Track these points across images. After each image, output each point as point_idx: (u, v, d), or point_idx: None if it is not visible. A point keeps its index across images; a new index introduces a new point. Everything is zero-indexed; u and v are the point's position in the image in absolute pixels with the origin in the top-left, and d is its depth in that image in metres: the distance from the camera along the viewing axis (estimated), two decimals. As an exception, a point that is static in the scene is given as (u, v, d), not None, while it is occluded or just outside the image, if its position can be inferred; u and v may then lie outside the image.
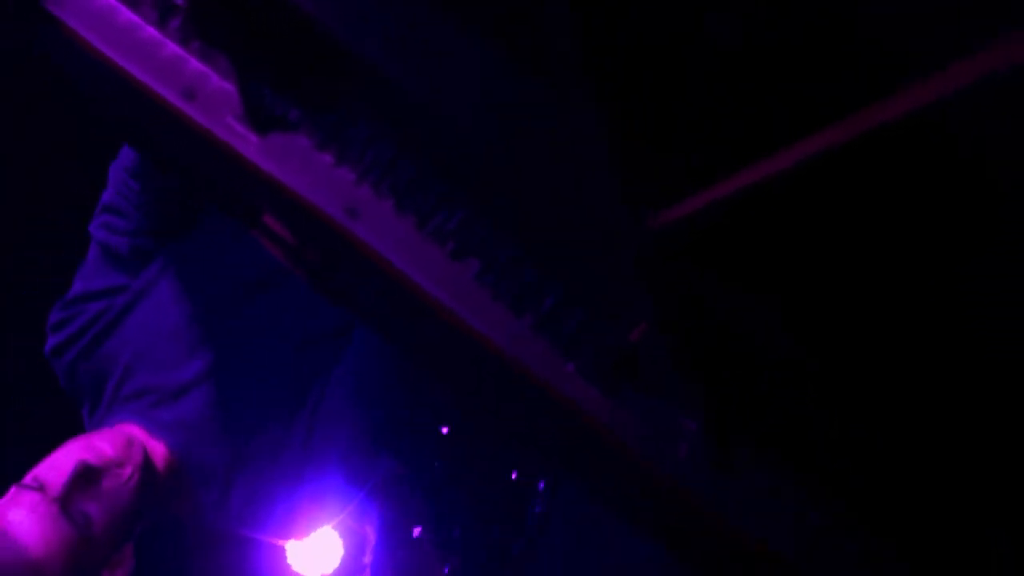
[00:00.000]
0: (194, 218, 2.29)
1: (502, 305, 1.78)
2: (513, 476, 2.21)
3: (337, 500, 2.33)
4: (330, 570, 2.80)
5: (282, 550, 2.86)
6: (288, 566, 2.82)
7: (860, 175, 1.34)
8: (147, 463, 2.16)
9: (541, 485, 2.21)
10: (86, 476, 2.12)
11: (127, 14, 1.89)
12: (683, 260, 1.47)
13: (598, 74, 1.39)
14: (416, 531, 2.31)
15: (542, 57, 1.46)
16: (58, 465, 2.15)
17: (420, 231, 1.80)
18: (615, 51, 1.41)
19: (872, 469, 1.64)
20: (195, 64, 1.87)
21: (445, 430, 2.27)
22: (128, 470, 2.15)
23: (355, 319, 2.29)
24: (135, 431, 2.22)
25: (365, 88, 1.75)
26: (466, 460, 2.31)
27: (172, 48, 1.88)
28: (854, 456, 1.64)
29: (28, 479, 2.13)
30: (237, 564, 2.85)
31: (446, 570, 2.22)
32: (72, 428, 2.34)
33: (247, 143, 1.84)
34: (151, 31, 1.88)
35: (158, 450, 2.22)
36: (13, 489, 2.15)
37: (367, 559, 2.40)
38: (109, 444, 2.15)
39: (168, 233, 2.28)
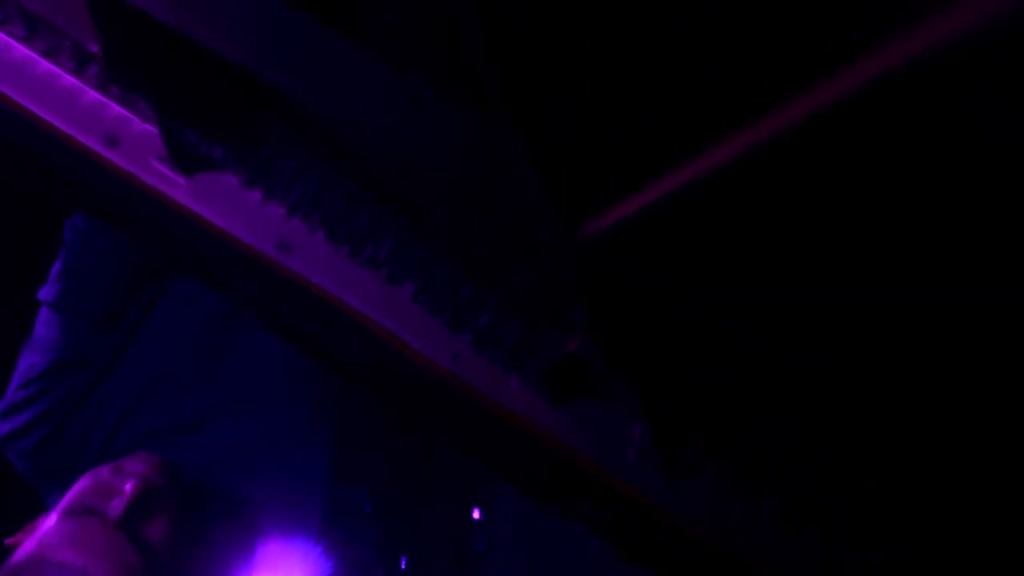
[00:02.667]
0: (161, 278, 2.26)
1: (441, 323, 1.79)
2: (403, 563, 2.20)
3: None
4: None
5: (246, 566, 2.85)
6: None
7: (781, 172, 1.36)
8: (174, 485, 2.11)
9: (476, 512, 2.22)
10: (144, 497, 2.01)
11: (45, 64, 1.89)
12: (612, 265, 1.49)
13: (518, 92, 1.40)
14: None
15: (461, 78, 1.47)
16: (100, 490, 2.02)
17: (354, 259, 1.81)
18: (534, 70, 1.42)
19: (824, 464, 1.66)
20: (116, 109, 1.87)
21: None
22: (175, 495, 2.07)
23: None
24: (153, 456, 2.16)
25: (286, 121, 1.76)
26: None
27: (92, 95, 1.88)
28: (804, 453, 1.67)
29: (68, 507, 1.99)
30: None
31: None
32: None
33: (175, 186, 1.85)
34: (70, 79, 1.88)
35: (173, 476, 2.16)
36: (56, 517, 2.00)
37: None
38: (143, 466, 2.07)
39: (138, 289, 2.24)
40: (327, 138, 1.73)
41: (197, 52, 1.68)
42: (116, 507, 1.97)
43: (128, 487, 2.00)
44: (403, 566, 2.22)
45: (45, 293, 2.26)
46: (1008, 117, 1.18)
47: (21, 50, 1.90)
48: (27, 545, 1.98)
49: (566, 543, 2.11)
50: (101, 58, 1.79)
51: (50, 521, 2.01)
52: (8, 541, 2.07)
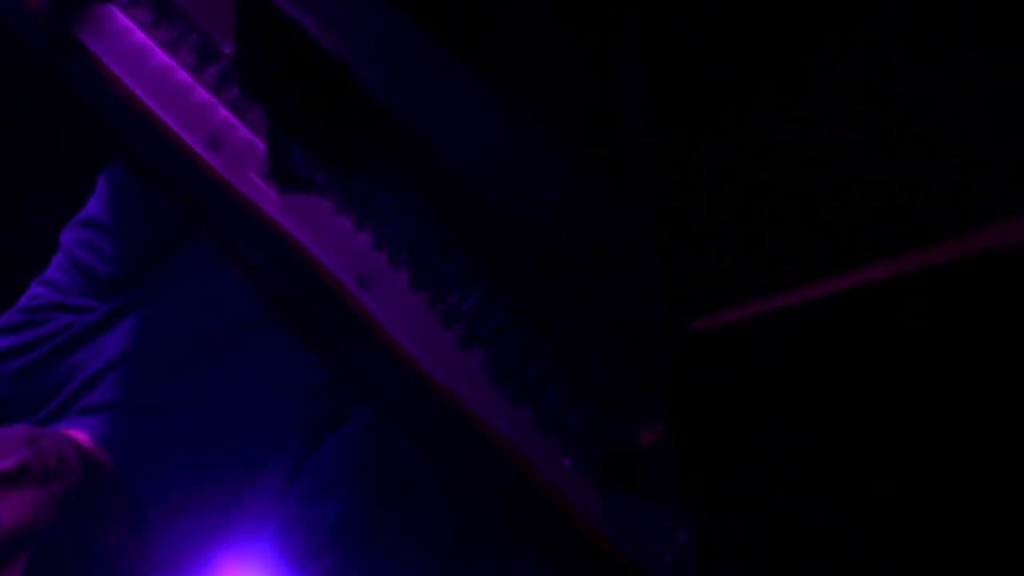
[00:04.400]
0: (184, 245, 2.23)
1: (504, 394, 1.78)
2: None
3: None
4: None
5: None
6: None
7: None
8: (84, 479, 2.07)
9: None
10: (15, 476, 1.98)
11: (162, 56, 1.88)
12: (711, 367, 1.49)
13: (663, 183, 1.42)
14: None
15: (608, 163, 1.48)
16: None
17: (430, 308, 1.80)
18: (679, 171, 1.44)
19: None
20: (224, 113, 1.86)
21: None
22: (58, 486, 2.04)
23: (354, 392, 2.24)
24: (84, 442, 2.13)
25: (401, 158, 1.76)
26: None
27: (203, 95, 1.87)
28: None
29: None
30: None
31: None
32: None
33: (267, 198, 1.83)
34: (184, 75, 1.87)
35: (103, 467, 2.13)
36: None
37: None
38: (54, 450, 2.04)
39: (155, 261, 2.21)
40: (440, 182, 1.72)
41: (334, 73, 1.68)
42: None
43: (13, 455, 1.99)
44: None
45: (64, 236, 2.25)
46: None
47: (141, 37, 1.90)
48: None
49: None
50: (231, 60, 1.79)
51: None
52: None
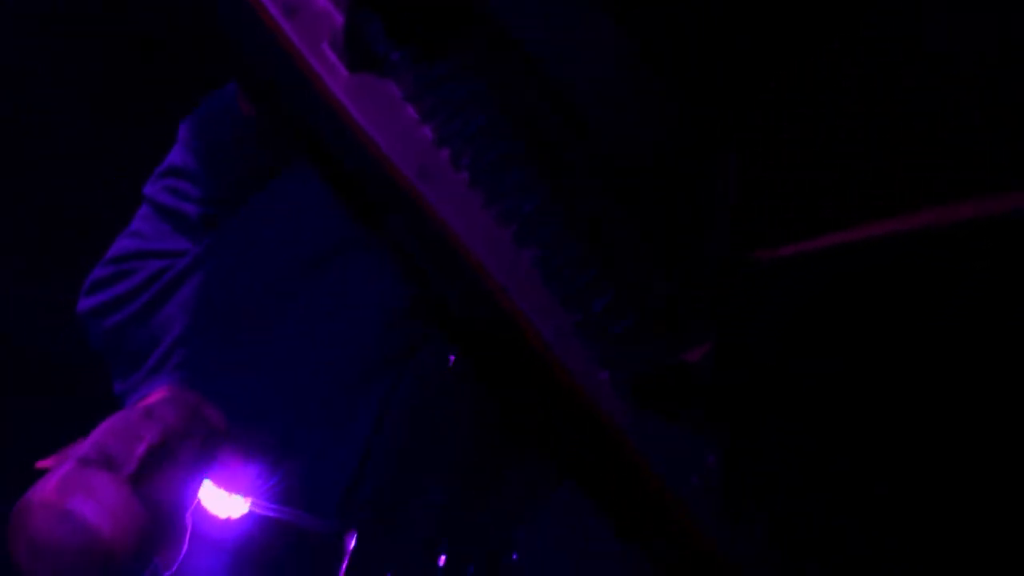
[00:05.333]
0: (264, 186, 2.21)
1: (553, 296, 1.78)
2: (440, 562, 2.18)
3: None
4: (237, 515, 2.75)
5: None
6: (199, 504, 2.76)
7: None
8: (209, 433, 2.06)
9: (520, 533, 2.20)
10: (159, 451, 1.98)
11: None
12: (773, 296, 1.50)
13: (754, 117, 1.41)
14: None
15: (697, 81, 1.48)
16: (123, 437, 1.99)
17: (487, 208, 1.80)
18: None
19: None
20: (303, -20, 1.84)
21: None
22: (195, 442, 2.04)
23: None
24: (193, 399, 2.12)
25: (483, 49, 1.75)
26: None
27: (282, -40, 1.84)
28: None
29: (90, 452, 1.97)
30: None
31: None
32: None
33: (335, 75, 1.82)
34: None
35: (214, 418, 2.12)
36: (71, 464, 1.98)
37: None
38: (173, 413, 2.04)
39: (238, 202, 2.20)
40: (518, 83, 1.72)
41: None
42: (131, 459, 1.96)
43: (148, 437, 1.99)
44: (440, 565, 2.19)
45: (147, 188, 2.24)
46: None
47: None
48: (46, 484, 1.97)
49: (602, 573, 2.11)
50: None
51: (68, 465, 1.99)
52: (39, 464, 2.05)
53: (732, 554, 1.71)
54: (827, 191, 1.46)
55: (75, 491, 1.93)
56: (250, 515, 2.73)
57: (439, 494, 2.26)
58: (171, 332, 2.20)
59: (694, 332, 1.68)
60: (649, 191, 1.60)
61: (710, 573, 1.73)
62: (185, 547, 2.04)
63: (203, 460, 2.07)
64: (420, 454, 2.27)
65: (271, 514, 2.58)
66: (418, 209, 1.80)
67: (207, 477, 2.30)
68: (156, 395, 2.11)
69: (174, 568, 2.04)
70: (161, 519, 1.97)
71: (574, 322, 1.78)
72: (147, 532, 1.94)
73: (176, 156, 2.23)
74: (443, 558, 2.22)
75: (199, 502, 2.65)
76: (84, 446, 2.00)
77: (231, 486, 2.42)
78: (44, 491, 1.97)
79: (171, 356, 2.19)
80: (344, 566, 2.25)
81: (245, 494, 2.43)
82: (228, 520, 2.79)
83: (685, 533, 1.73)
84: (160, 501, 1.97)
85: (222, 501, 2.76)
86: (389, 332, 2.24)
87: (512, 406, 1.89)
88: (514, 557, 2.20)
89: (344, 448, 2.23)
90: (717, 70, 1.41)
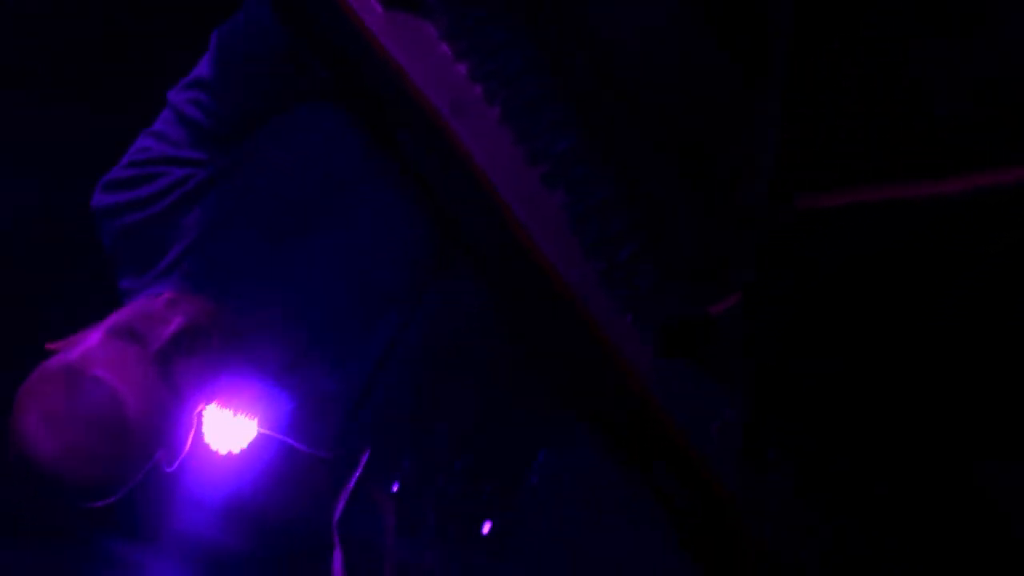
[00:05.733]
0: (290, 109, 2.20)
1: (578, 241, 1.78)
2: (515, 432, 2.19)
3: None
4: (237, 449, 2.75)
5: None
6: (200, 438, 2.76)
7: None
8: (223, 337, 2.06)
9: (542, 456, 2.20)
10: (187, 335, 1.97)
11: None
12: (812, 246, 1.49)
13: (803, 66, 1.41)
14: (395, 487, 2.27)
15: (740, 27, 1.47)
16: (157, 318, 1.99)
17: (517, 146, 1.80)
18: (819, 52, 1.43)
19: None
20: (341, -86, 1.83)
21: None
22: (212, 341, 2.04)
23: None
24: (204, 301, 2.12)
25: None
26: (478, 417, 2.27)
27: None
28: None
29: (119, 326, 1.96)
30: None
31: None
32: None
33: (371, 12, 1.81)
34: None
35: (223, 325, 2.11)
36: (100, 335, 1.96)
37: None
38: (194, 309, 2.04)
39: (261, 121, 2.19)
40: (557, 23, 1.71)
41: None
42: (159, 337, 1.95)
43: (176, 321, 1.98)
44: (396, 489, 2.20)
45: (172, 95, 2.22)
46: None
47: None
48: (68, 354, 1.96)
49: (618, 513, 2.11)
50: None
51: (95, 337, 1.98)
52: (49, 346, 2.04)
53: (750, 503, 1.72)
54: (872, 146, 1.45)
55: (103, 361, 1.92)
56: (258, 438, 2.73)
57: (460, 414, 2.26)
58: (186, 238, 2.19)
59: (722, 283, 1.68)
60: (687, 136, 1.59)
61: (725, 520, 1.73)
62: (188, 446, 2.03)
63: (217, 363, 2.06)
64: (441, 379, 2.27)
65: (278, 436, 2.58)
66: (447, 143, 1.79)
67: (216, 395, 2.30)
68: (168, 295, 2.11)
69: (175, 465, 2.03)
70: (175, 409, 1.96)
71: (599, 268, 1.78)
72: (165, 416, 1.93)
73: (204, 68, 2.20)
74: (459, 475, 2.22)
75: (206, 425, 2.65)
76: (110, 321, 1.98)
77: (239, 404, 2.41)
78: (68, 359, 1.95)
79: (183, 261, 2.18)
80: (353, 482, 2.25)
81: (252, 415, 2.42)
82: (236, 443, 2.79)
83: (702, 481, 1.74)
84: (179, 389, 1.96)
85: (230, 423, 2.76)
86: (407, 264, 2.24)
87: (533, 346, 1.89)
88: (533, 480, 2.20)
89: (355, 367, 2.23)
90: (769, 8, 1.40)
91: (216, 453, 2.70)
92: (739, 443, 1.74)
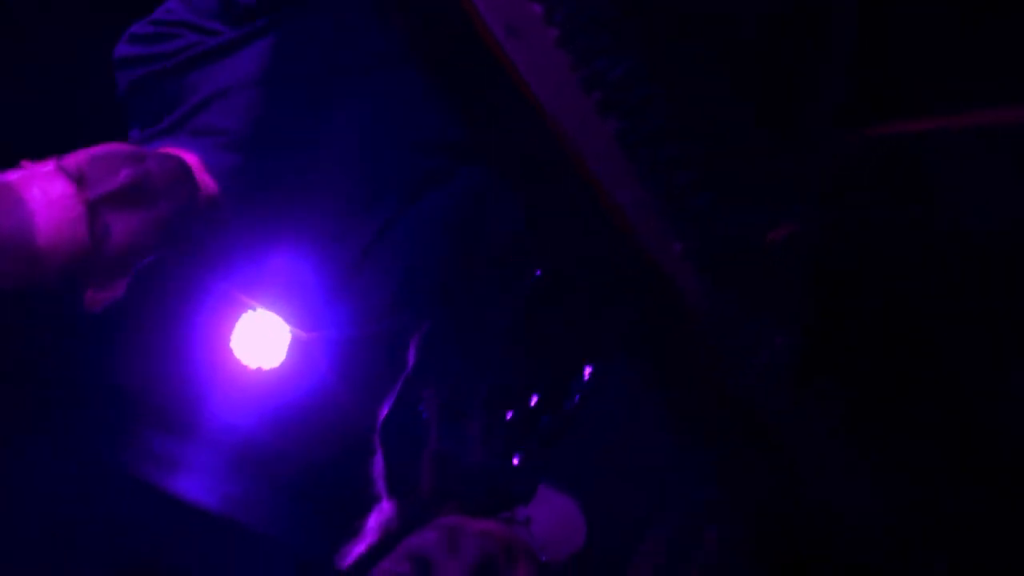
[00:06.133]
0: None
1: (633, 167, 1.78)
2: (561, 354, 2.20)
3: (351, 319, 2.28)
4: (270, 366, 2.77)
5: (226, 336, 2.82)
6: (230, 351, 2.79)
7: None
8: (190, 202, 2.08)
9: (587, 371, 2.22)
10: (128, 193, 1.98)
11: None
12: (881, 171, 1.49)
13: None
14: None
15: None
16: (104, 166, 1.99)
17: (575, 71, 1.78)
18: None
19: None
20: None
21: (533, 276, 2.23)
22: (166, 207, 2.05)
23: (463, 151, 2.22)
24: (193, 163, 2.13)
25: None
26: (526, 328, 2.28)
27: None
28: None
29: (69, 164, 1.99)
30: (176, 343, 2.79)
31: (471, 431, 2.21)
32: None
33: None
34: None
35: (208, 189, 2.13)
36: (51, 164, 2.00)
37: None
38: (161, 171, 2.05)
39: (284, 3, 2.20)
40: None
41: None
42: (100, 187, 1.97)
43: (124, 175, 2.00)
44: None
45: None
46: None
47: None
48: (16, 173, 2.00)
49: (656, 428, 2.13)
50: None
51: (48, 166, 2.02)
52: (22, 162, 2.07)
53: (797, 432, 1.74)
54: (943, 72, 1.44)
55: (37, 188, 1.97)
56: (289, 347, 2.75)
57: (506, 328, 2.27)
58: (195, 97, 2.22)
59: (780, 211, 1.68)
60: (750, 58, 1.58)
61: (770, 447, 1.75)
62: (121, 294, 2.06)
63: (182, 228, 2.08)
64: (490, 292, 2.28)
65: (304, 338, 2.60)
66: (501, 66, 1.78)
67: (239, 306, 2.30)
68: (161, 150, 2.14)
69: (99, 309, 2.07)
70: (106, 255, 1.99)
71: (653, 194, 1.78)
72: (81, 257, 1.97)
73: None
74: (504, 388, 2.24)
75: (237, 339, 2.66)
76: (69, 157, 2.02)
77: (243, 286, 2.41)
78: (10, 176, 2.01)
79: (189, 120, 2.21)
80: (398, 388, 2.27)
81: (247, 292, 2.42)
82: (268, 356, 2.81)
83: (749, 411, 1.76)
84: (113, 239, 1.99)
85: (262, 337, 2.78)
86: (418, 149, 2.25)
87: (576, 267, 1.89)
88: (575, 399, 2.23)
89: (349, 246, 2.25)
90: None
91: (250, 366, 2.73)
92: (788, 371, 1.76)
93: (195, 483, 2.34)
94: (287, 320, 2.33)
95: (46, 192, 1.96)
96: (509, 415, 2.32)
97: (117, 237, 2.03)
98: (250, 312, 2.68)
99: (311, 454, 2.63)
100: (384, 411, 2.35)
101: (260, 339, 2.86)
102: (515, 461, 2.30)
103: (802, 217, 1.61)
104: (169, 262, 2.21)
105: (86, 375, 2.36)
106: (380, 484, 2.34)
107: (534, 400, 2.21)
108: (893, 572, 1.65)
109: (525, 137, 1.83)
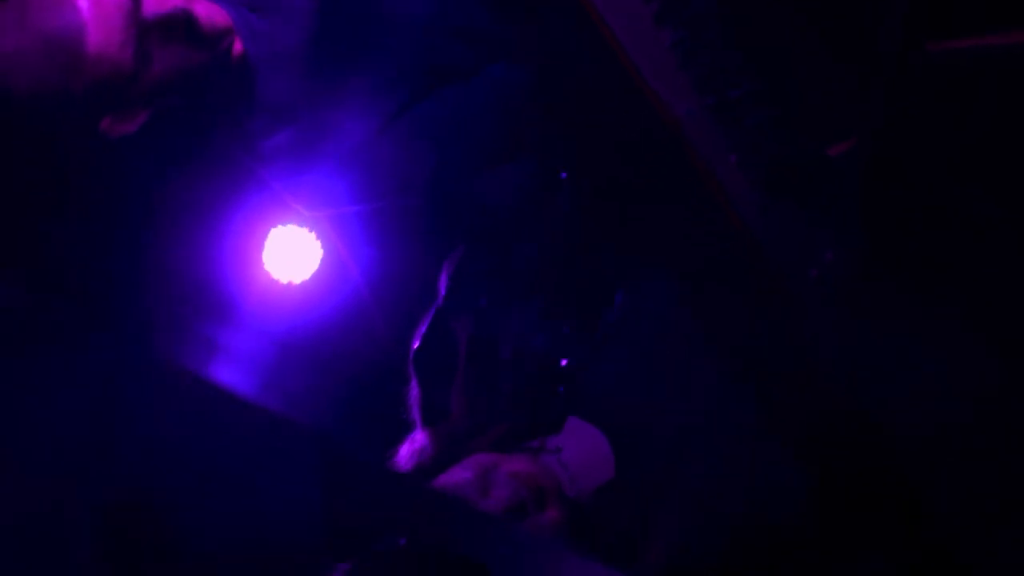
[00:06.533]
0: None
1: (687, 78, 1.77)
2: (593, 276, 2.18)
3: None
4: (301, 279, 2.76)
5: (257, 249, 2.81)
6: (261, 264, 2.78)
7: None
8: (225, 58, 2.06)
9: (619, 297, 2.20)
10: (180, 25, 2.00)
11: None
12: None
13: None
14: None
15: None
16: None
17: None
18: None
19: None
20: None
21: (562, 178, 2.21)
22: (203, 55, 2.03)
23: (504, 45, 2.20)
24: (228, 23, 2.12)
25: None
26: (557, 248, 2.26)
27: None
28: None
29: None
30: (209, 253, 2.78)
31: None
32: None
33: None
34: None
35: (237, 49, 2.12)
36: None
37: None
38: (207, 18, 2.01)
39: None
40: None
41: None
42: (156, 7, 1.96)
43: (175, 2, 2.00)
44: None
45: None
46: None
47: None
48: None
49: (689, 355, 2.11)
50: None
51: None
52: None
53: (848, 347, 1.73)
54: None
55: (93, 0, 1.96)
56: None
57: (538, 254, 2.26)
58: None
59: (840, 125, 1.67)
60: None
61: (817, 363, 1.75)
62: (135, 129, 2.06)
63: (212, 80, 2.07)
64: (521, 216, 2.27)
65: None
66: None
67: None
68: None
69: (113, 138, 2.07)
70: (138, 83, 1.99)
71: (708, 105, 1.77)
72: (120, 76, 1.96)
73: None
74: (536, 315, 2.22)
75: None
76: None
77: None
78: None
79: None
80: (431, 316, 2.26)
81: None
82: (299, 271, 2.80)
83: (796, 328, 1.75)
84: (151, 69, 1.99)
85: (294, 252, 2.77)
86: (449, 42, 2.23)
87: (620, 179, 1.88)
88: (610, 320, 2.21)
89: (356, 127, 2.23)
90: None
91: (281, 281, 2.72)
92: (838, 286, 1.75)
93: (234, 370, 2.33)
94: (297, 197, 2.31)
95: (101, 4, 1.95)
96: (540, 343, 2.31)
97: (155, 67, 2.03)
98: (281, 227, 2.66)
99: (342, 373, 2.62)
100: (417, 340, 2.35)
101: (291, 254, 2.84)
102: (545, 389, 2.29)
103: (862, 132, 1.60)
104: (207, 152, 2.20)
105: (123, 260, 2.34)
106: (415, 411, 2.33)
107: (565, 328, 2.20)
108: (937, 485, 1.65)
109: (579, 46, 1.82)
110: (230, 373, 2.41)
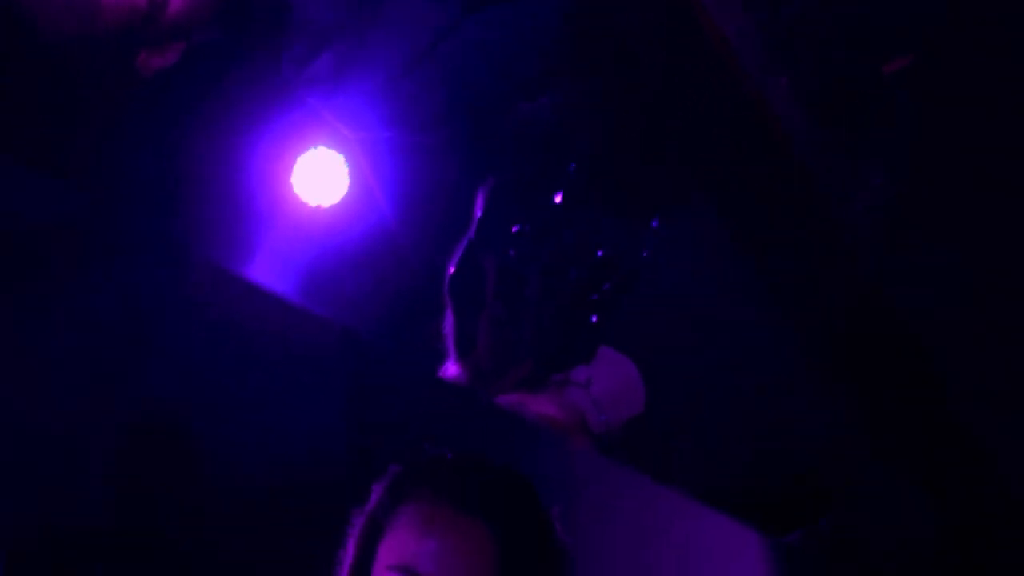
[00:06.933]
0: None
1: (738, -3, 1.72)
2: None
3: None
4: (330, 202, 2.73)
5: (286, 175, 2.77)
6: (290, 189, 2.74)
7: None
8: None
9: (654, 223, 2.16)
10: None
11: None
12: None
13: None
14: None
15: None
16: None
17: None
18: None
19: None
20: None
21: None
22: None
23: None
24: None
25: None
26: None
27: None
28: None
29: None
30: (238, 186, 2.74)
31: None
32: None
33: None
34: None
35: None
36: None
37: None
38: None
39: None
40: None
41: None
42: None
43: None
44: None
45: None
46: None
47: None
48: None
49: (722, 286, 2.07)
50: None
51: None
52: None
53: (893, 272, 1.69)
54: None
55: None
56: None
57: (570, 183, 2.21)
58: None
59: (895, 43, 1.62)
60: None
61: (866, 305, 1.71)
62: (173, 62, 2.04)
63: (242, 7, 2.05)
64: (553, 146, 2.22)
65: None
66: None
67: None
68: None
69: (150, 74, 2.06)
70: (162, 20, 1.98)
71: (756, 20, 1.72)
72: (137, 17, 1.95)
73: None
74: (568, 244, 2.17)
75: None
76: None
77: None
78: None
79: None
80: (464, 245, 2.22)
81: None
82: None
83: (845, 261, 1.71)
84: (171, 6, 1.97)
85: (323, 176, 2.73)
86: None
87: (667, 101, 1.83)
88: (644, 249, 2.16)
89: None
90: None
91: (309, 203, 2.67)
92: (886, 211, 1.70)
93: (266, 268, 2.30)
94: (337, 116, 2.27)
95: None
96: (572, 274, 2.27)
97: (174, 4, 2.01)
98: (311, 150, 2.62)
99: (368, 301, 2.58)
100: (450, 270, 2.32)
101: (320, 177, 2.80)
102: (575, 321, 2.25)
103: (918, 51, 1.55)
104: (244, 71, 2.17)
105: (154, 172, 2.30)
106: (449, 342, 2.30)
107: (598, 256, 2.16)
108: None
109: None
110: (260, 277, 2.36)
